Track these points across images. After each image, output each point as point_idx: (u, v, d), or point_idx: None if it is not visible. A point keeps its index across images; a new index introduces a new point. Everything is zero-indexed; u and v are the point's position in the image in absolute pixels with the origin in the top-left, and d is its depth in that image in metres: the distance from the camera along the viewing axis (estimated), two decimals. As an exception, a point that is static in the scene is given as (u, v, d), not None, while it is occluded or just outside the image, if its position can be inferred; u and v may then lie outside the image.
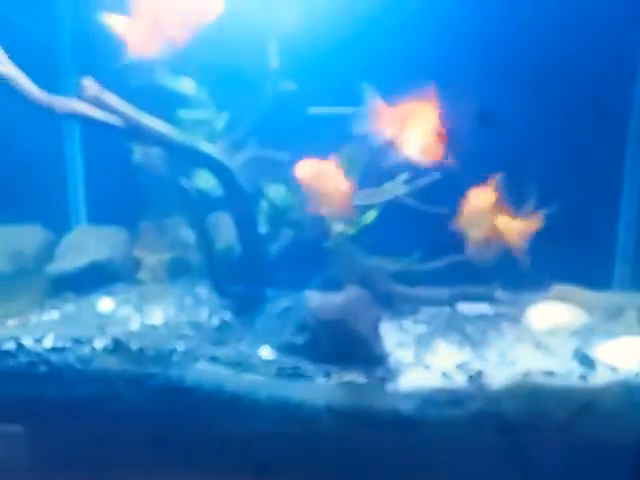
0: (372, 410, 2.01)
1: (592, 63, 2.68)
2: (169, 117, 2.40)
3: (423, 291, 2.70)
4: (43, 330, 2.19)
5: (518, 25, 2.68)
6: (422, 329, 2.49)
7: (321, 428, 2.02)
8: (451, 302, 2.70)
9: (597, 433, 1.99)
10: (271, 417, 2.01)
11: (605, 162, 2.82)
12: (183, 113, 2.52)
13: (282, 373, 2.08)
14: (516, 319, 2.54)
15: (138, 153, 2.69)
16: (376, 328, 2.23)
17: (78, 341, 2.11)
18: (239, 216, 2.57)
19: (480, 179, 2.28)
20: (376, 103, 2.09)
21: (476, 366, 2.14)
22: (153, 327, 2.35)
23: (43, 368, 2.05)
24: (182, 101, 2.56)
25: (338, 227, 2.60)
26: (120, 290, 2.66)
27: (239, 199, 2.52)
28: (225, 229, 2.68)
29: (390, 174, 2.45)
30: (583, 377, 2.06)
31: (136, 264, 2.82)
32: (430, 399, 2.01)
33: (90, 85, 2.14)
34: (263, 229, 2.67)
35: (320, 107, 2.65)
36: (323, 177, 2.26)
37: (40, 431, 2.08)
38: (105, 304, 2.53)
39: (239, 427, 2.03)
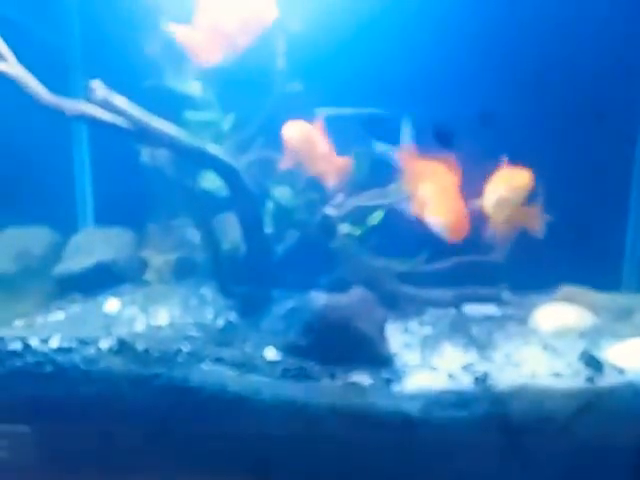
0: (377, 411, 2.00)
1: (602, 65, 2.66)
2: (176, 119, 2.41)
3: (429, 292, 2.69)
4: (49, 331, 2.20)
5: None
6: (428, 330, 2.48)
7: (326, 429, 2.01)
8: (457, 303, 2.69)
9: (604, 435, 1.97)
10: (276, 418, 2.01)
11: (614, 164, 2.80)
12: (190, 115, 2.53)
13: (287, 374, 2.07)
14: (523, 320, 2.53)
15: (145, 154, 2.70)
16: (382, 329, 2.22)
17: (84, 342, 2.11)
18: (245, 217, 2.57)
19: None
20: (409, 147, 2.09)
21: (482, 368, 2.13)
22: (158, 328, 2.36)
23: (49, 368, 2.06)
24: (189, 103, 2.57)
25: (345, 228, 2.60)
26: (126, 291, 2.67)
27: (245, 200, 2.52)
28: (231, 230, 2.69)
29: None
30: (590, 379, 2.04)
31: (143, 265, 2.83)
32: (436, 401, 2.00)
33: (98, 87, 2.15)
34: (269, 230, 2.67)
35: (327, 108, 2.65)
36: (307, 138, 2.23)
37: (46, 431, 2.08)
38: (111, 305, 2.54)
39: (244, 428, 2.03)
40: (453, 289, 2.70)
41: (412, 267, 2.69)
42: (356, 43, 2.61)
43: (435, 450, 2.02)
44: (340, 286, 2.37)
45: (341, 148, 2.45)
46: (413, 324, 2.53)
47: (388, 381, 2.06)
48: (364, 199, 2.57)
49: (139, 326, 2.36)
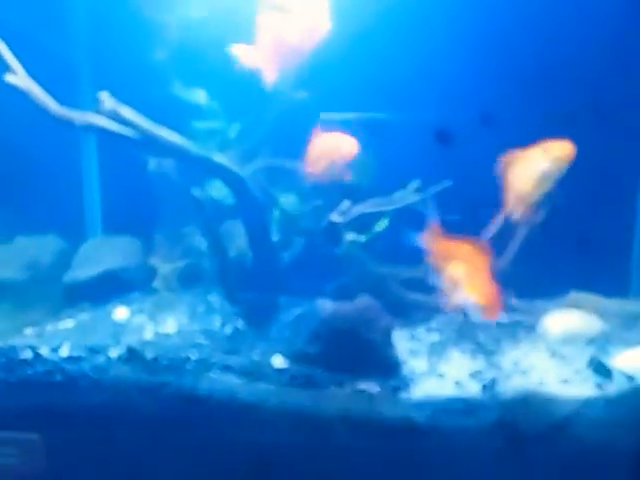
0: (385, 419, 2.00)
1: (610, 69, 2.65)
2: (183, 128, 2.43)
3: (436, 298, 2.68)
4: (59, 339, 2.23)
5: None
6: (435, 337, 2.48)
7: (334, 437, 2.01)
8: (464, 310, 2.68)
9: (612, 442, 1.96)
10: (284, 426, 2.01)
11: (621, 170, 2.79)
12: (197, 124, 2.55)
13: (295, 382, 2.08)
14: (531, 327, 2.52)
15: (152, 164, 2.73)
16: (389, 337, 2.22)
17: (93, 350, 2.13)
18: (251, 224, 2.59)
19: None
20: (433, 227, 2.12)
21: (490, 375, 2.13)
22: (167, 336, 2.37)
23: (59, 377, 2.08)
24: (196, 112, 2.60)
25: (350, 235, 2.61)
26: (135, 299, 2.69)
27: (251, 208, 2.54)
28: (238, 237, 2.70)
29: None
30: (599, 386, 2.03)
31: (151, 273, 2.85)
32: (443, 408, 1.99)
33: (106, 99, 2.18)
34: (275, 237, 2.68)
35: (332, 113, 2.67)
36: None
37: (55, 439, 2.10)
38: (120, 313, 2.56)
39: (252, 436, 2.03)
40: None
41: (418, 273, 2.69)
42: (358, 49, 2.62)
43: (442, 457, 2.01)
44: (346, 293, 2.37)
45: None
46: (420, 331, 2.53)
47: (395, 389, 2.06)
48: (369, 206, 2.57)
49: (148, 334, 2.37)
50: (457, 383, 2.09)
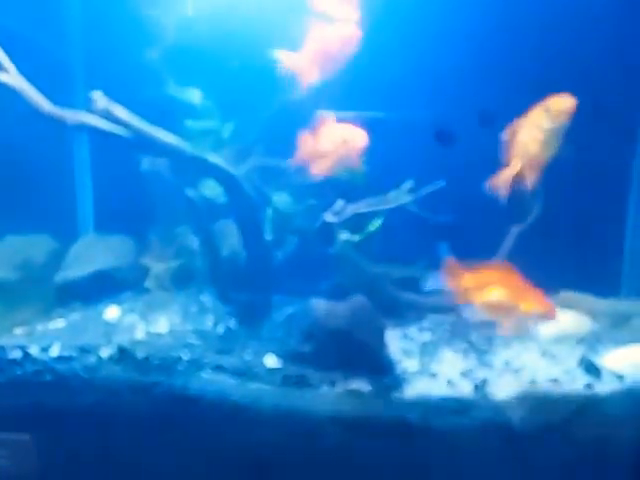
0: (377, 419, 2.01)
1: (603, 66, 2.67)
2: (177, 127, 2.42)
3: (428, 298, 2.69)
4: (50, 339, 2.21)
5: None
6: (427, 337, 2.49)
7: (326, 436, 2.01)
8: (457, 309, 2.69)
9: (603, 441, 1.97)
10: (276, 426, 2.01)
11: (614, 169, 2.81)
12: (190, 123, 2.54)
13: (287, 382, 2.08)
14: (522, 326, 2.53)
15: (145, 163, 2.72)
16: (381, 336, 2.23)
17: (84, 350, 2.12)
18: (244, 224, 2.58)
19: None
20: (449, 263, 2.12)
21: (481, 374, 2.14)
22: (158, 335, 2.36)
23: (49, 377, 2.07)
24: (189, 111, 2.59)
25: (344, 235, 2.61)
26: (126, 298, 2.68)
27: (244, 207, 2.53)
28: (231, 237, 2.70)
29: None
30: (589, 385, 2.04)
31: (143, 272, 2.84)
32: (435, 407, 2.00)
33: (99, 98, 2.18)
34: (268, 236, 2.68)
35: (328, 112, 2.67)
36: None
37: (46, 439, 2.09)
38: (111, 312, 2.55)
39: (244, 436, 2.03)
40: (453, 294, 2.70)
41: (411, 272, 2.70)
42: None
43: (435, 456, 2.02)
44: (339, 292, 2.37)
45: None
46: (412, 330, 2.54)
47: (388, 388, 2.06)
48: (363, 206, 2.57)
49: (139, 334, 2.36)
50: (449, 382, 2.10)
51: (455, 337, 2.45)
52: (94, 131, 2.23)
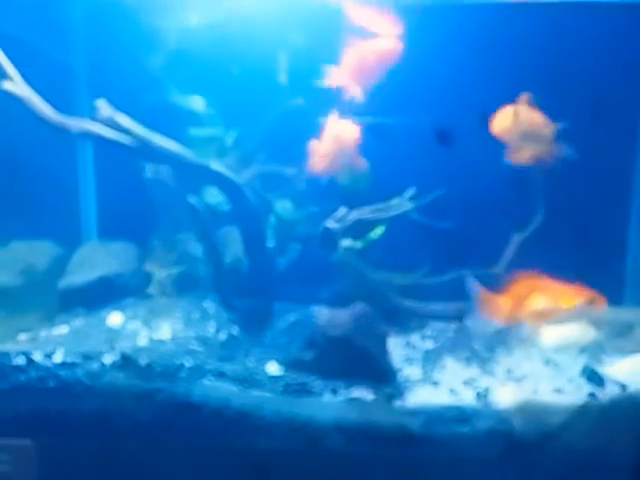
0: (379, 427, 2.00)
1: (606, 67, 2.67)
2: (180, 135, 2.44)
3: (431, 306, 2.69)
4: (53, 345, 2.21)
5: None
6: (430, 345, 2.48)
7: (328, 444, 2.01)
8: (459, 317, 2.69)
9: (606, 451, 1.96)
10: (278, 433, 2.01)
11: (616, 177, 2.80)
12: (193, 131, 2.56)
13: (289, 389, 2.08)
14: (525, 335, 2.52)
15: (149, 170, 2.73)
16: (384, 344, 2.22)
17: (87, 357, 2.13)
18: (247, 231, 2.59)
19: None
20: (481, 294, 2.15)
21: (484, 383, 2.13)
22: (161, 342, 2.37)
23: (53, 383, 2.07)
24: (193, 119, 2.60)
25: (346, 242, 2.61)
26: (129, 304, 2.68)
27: (247, 214, 2.54)
28: (233, 244, 2.70)
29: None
30: (592, 395, 2.04)
31: (146, 278, 2.84)
32: (437, 416, 1.99)
33: (103, 106, 2.19)
34: (271, 243, 2.68)
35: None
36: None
37: (49, 445, 2.09)
38: (114, 319, 2.55)
39: (246, 443, 2.03)
40: (455, 302, 2.70)
41: (414, 280, 2.69)
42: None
43: (436, 465, 2.01)
44: (341, 299, 2.37)
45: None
46: (415, 338, 2.53)
47: (390, 396, 2.06)
48: (365, 213, 2.58)
49: (142, 340, 2.37)
50: (451, 391, 2.09)
51: (458, 345, 2.44)
52: (98, 139, 2.24)
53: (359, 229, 2.59)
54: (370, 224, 2.57)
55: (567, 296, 2.05)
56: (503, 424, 1.98)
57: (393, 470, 2.03)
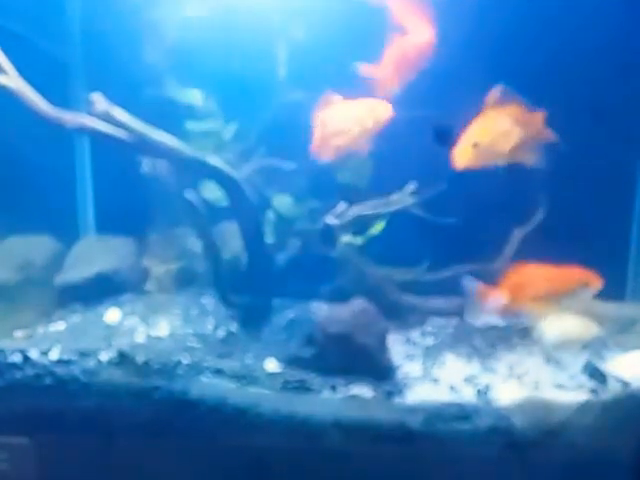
0: (378, 424, 1.99)
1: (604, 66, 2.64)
2: (178, 129, 2.41)
3: (431, 301, 2.67)
4: (50, 341, 2.20)
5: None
6: (430, 341, 2.46)
7: (327, 442, 1.99)
8: (460, 313, 2.67)
9: (608, 448, 1.95)
10: (276, 431, 1.99)
11: (618, 173, 2.78)
12: (191, 125, 2.53)
13: (288, 386, 2.06)
14: (526, 331, 2.50)
15: (146, 165, 2.71)
16: (383, 341, 2.21)
17: (84, 354, 2.10)
18: (245, 226, 2.56)
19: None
20: (479, 289, 2.14)
21: (484, 380, 2.11)
22: (159, 339, 2.35)
23: (49, 381, 2.05)
24: (191, 113, 2.57)
25: (346, 237, 2.59)
26: (127, 301, 2.66)
27: (246, 210, 2.52)
28: (232, 239, 2.68)
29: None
30: (594, 391, 2.02)
31: (144, 274, 2.82)
32: (437, 413, 1.98)
33: (99, 100, 2.16)
34: (270, 239, 2.66)
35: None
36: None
37: (46, 443, 2.08)
38: (112, 315, 2.53)
39: (244, 441, 2.02)
40: (456, 298, 2.68)
41: (414, 276, 2.67)
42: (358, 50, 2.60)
43: (436, 462, 2.00)
44: (341, 295, 2.35)
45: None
46: (415, 334, 2.51)
47: (389, 393, 2.04)
48: (365, 208, 2.56)
49: (139, 337, 2.35)
50: (452, 388, 2.07)
51: (458, 342, 2.43)
52: (94, 133, 2.21)
53: (359, 224, 2.57)
54: (370, 219, 2.55)
55: (562, 278, 2.02)
56: (504, 421, 1.96)
57: (393, 468, 2.01)
